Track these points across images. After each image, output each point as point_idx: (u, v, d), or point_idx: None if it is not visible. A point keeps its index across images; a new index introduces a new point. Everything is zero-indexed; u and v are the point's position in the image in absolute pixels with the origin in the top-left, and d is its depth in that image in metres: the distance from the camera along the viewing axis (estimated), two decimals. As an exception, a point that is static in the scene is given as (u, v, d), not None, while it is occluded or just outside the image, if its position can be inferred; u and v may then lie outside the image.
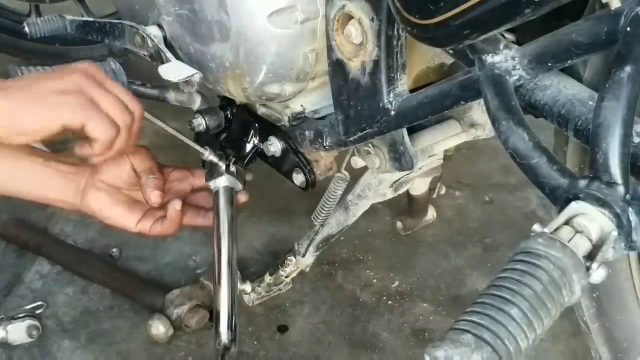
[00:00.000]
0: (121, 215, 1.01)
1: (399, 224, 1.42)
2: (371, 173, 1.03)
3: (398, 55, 0.78)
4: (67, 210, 1.09)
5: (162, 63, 0.97)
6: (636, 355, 0.94)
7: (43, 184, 1.00)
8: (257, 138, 1.06)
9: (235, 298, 1.01)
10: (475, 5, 0.57)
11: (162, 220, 1.02)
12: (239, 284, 1.15)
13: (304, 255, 1.17)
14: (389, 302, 1.33)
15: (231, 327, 0.99)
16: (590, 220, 0.53)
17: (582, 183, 0.55)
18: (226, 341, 0.98)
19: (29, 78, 0.86)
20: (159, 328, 1.21)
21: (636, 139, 0.58)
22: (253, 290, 1.25)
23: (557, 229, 0.53)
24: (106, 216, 1.01)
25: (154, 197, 0.99)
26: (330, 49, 0.83)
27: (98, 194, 0.99)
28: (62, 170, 1.01)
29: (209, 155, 1.04)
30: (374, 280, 1.38)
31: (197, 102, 1.11)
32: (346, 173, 1.04)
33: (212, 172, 1.06)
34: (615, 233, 0.53)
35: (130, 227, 1.01)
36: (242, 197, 1.09)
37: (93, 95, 0.85)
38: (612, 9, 0.54)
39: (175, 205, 1.00)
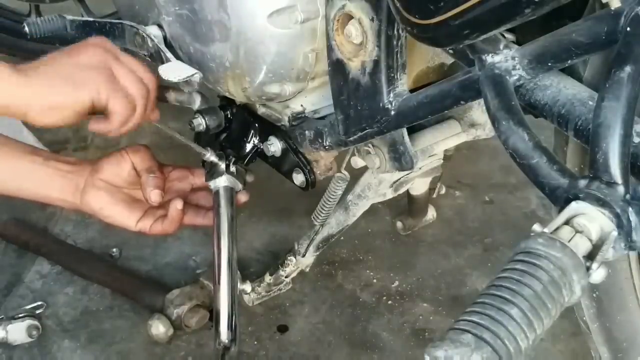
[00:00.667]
0: (121, 214, 1.01)
1: (399, 224, 1.42)
2: (371, 173, 1.03)
3: (398, 55, 0.78)
4: (67, 209, 1.08)
5: (162, 63, 0.97)
6: (636, 355, 0.94)
7: (42, 183, 1.00)
8: (257, 138, 1.06)
9: (235, 298, 1.01)
10: (475, 5, 0.57)
11: (163, 219, 1.02)
12: (238, 284, 1.15)
13: (304, 255, 1.17)
14: (389, 302, 1.33)
15: (231, 327, 0.99)
16: (590, 220, 0.53)
17: (582, 183, 0.55)
18: (226, 341, 0.98)
19: (48, 59, 0.85)
20: (159, 328, 1.21)
21: (636, 139, 0.58)
22: (253, 290, 1.25)
23: (557, 229, 0.53)
24: (106, 215, 1.01)
25: (154, 196, 0.99)
26: (330, 49, 0.83)
27: (98, 192, 0.99)
28: (61, 169, 1.00)
29: (210, 156, 1.04)
30: (374, 280, 1.38)
31: (197, 102, 1.11)
32: (346, 173, 1.04)
33: (212, 172, 1.05)
34: (615, 233, 0.53)
35: (130, 226, 1.01)
36: (243, 197, 1.09)
37: (113, 70, 0.85)
38: (612, 9, 0.54)
39: (177, 204, 1.00)
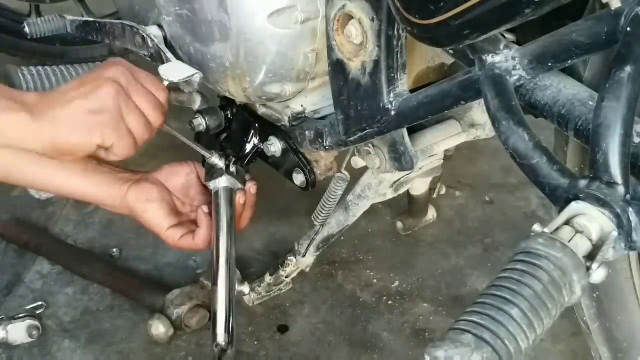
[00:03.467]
0: (158, 214, 0.97)
1: (399, 224, 1.42)
2: (371, 173, 1.03)
3: (398, 55, 0.78)
4: (107, 208, 1.01)
5: (162, 63, 0.97)
6: (636, 355, 0.94)
7: (94, 181, 0.97)
8: (257, 138, 1.06)
9: (232, 299, 1.00)
10: (475, 5, 0.57)
11: (193, 234, 0.99)
12: (237, 285, 1.15)
13: (304, 255, 1.17)
14: (389, 302, 1.33)
15: (228, 329, 0.98)
16: (590, 220, 0.53)
17: (582, 183, 0.55)
18: (223, 343, 0.98)
19: (61, 93, 0.86)
20: (159, 328, 1.21)
21: (636, 139, 0.58)
22: (253, 290, 1.25)
23: (557, 228, 0.53)
24: (144, 209, 0.97)
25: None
26: (330, 48, 0.83)
27: (148, 185, 0.98)
28: (116, 170, 0.99)
29: (214, 158, 1.03)
30: (374, 280, 1.38)
31: (197, 102, 1.11)
32: (346, 173, 1.04)
33: (211, 172, 1.05)
34: (615, 233, 0.53)
35: (161, 228, 0.98)
36: (252, 188, 1.06)
37: (122, 111, 0.85)
38: (612, 9, 0.54)
39: (203, 208, 0.99)
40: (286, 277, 1.22)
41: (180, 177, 1.02)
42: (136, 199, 0.97)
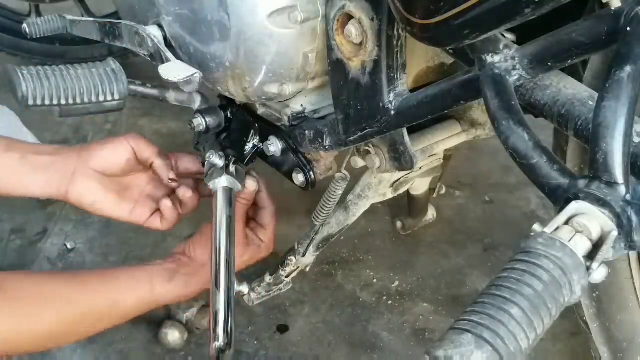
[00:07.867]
0: (113, 205, 0.98)
1: (399, 224, 1.42)
2: (371, 173, 1.03)
3: (398, 55, 0.78)
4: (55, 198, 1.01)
5: (162, 63, 0.97)
6: (636, 355, 0.94)
7: (22, 180, 0.95)
8: (257, 138, 1.06)
9: (232, 300, 1.00)
10: (475, 5, 0.57)
11: (158, 214, 1.03)
12: (236, 285, 1.15)
13: (304, 255, 1.17)
14: (389, 302, 1.33)
15: (227, 330, 0.98)
16: (591, 220, 0.53)
17: (582, 183, 0.55)
18: (222, 344, 0.97)
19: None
20: (175, 335, 1.19)
21: (636, 139, 0.58)
22: (253, 290, 1.25)
23: (557, 228, 0.53)
24: (97, 208, 0.97)
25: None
26: (330, 48, 0.83)
27: (88, 183, 0.96)
28: (41, 165, 0.95)
29: (214, 158, 1.03)
30: (374, 280, 1.38)
31: (197, 102, 1.11)
32: (346, 173, 1.04)
33: (211, 172, 1.05)
34: (615, 233, 0.53)
35: (123, 217, 1.00)
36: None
37: None
38: (612, 8, 0.54)
39: (166, 203, 1.01)
40: (286, 277, 1.22)
41: (118, 158, 0.99)
42: (81, 202, 0.96)
